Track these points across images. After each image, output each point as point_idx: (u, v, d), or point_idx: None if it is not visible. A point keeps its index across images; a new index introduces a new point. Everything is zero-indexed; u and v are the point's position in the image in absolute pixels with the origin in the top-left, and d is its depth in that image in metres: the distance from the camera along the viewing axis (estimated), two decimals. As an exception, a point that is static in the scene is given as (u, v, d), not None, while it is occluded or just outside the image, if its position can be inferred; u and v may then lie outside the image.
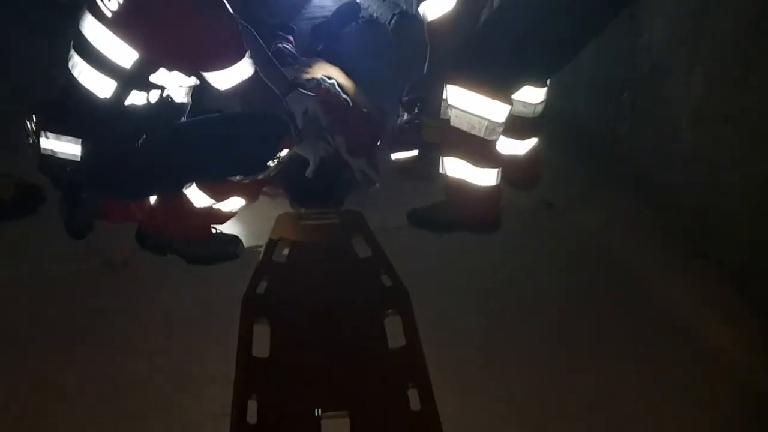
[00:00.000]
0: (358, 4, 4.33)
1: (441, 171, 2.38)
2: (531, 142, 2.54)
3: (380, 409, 1.70)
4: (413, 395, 1.71)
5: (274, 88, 2.18)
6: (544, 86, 2.37)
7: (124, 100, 1.93)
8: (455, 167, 2.31)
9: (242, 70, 1.98)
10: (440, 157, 2.38)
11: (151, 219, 2.28)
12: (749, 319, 2.00)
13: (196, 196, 2.14)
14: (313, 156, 2.42)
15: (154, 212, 2.28)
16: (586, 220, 2.52)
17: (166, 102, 2.02)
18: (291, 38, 3.71)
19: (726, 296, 2.09)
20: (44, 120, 1.96)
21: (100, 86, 1.91)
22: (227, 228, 2.40)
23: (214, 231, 2.34)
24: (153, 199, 2.28)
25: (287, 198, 2.59)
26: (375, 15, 4.60)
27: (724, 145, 2.08)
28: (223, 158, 2.06)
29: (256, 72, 2.04)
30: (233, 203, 2.24)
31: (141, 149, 1.98)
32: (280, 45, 3.45)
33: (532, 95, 2.36)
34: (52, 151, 1.96)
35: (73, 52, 1.94)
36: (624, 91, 2.50)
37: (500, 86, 2.14)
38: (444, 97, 2.24)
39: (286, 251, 2.29)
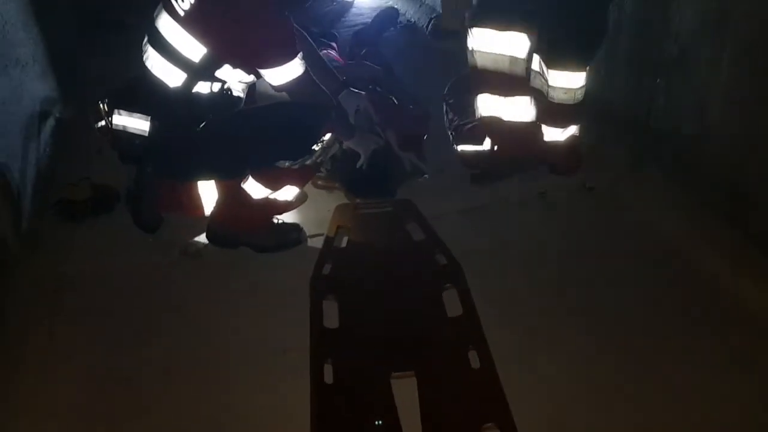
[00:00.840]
0: (396, 9, 4.53)
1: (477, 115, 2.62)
2: (572, 129, 2.68)
3: (443, 368, 1.86)
4: (473, 356, 1.88)
5: (323, 86, 2.37)
6: (583, 70, 2.49)
7: (192, 89, 2.16)
8: (487, 104, 2.55)
9: (294, 69, 2.20)
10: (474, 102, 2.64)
11: (218, 217, 2.47)
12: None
13: (253, 187, 2.34)
14: (364, 149, 2.61)
15: (219, 211, 2.46)
16: (625, 201, 2.66)
17: (226, 94, 2.23)
18: (334, 45, 3.92)
19: (755, 260, 2.21)
20: (117, 101, 2.18)
21: (172, 76, 2.14)
22: (290, 220, 2.59)
23: (276, 221, 2.54)
24: (210, 192, 2.49)
25: (343, 191, 2.77)
26: (413, 19, 4.81)
27: (752, 125, 2.21)
28: (272, 143, 2.25)
29: (306, 71, 2.24)
30: (288, 192, 2.42)
31: (201, 132, 2.19)
32: (325, 51, 3.65)
33: (571, 80, 2.50)
34: (123, 126, 2.18)
35: (147, 46, 2.17)
36: (657, 77, 2.63)
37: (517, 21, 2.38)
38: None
39: (345, 238, 2.47)
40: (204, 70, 2.13)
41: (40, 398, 1.89)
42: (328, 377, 1.83)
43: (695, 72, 2.43)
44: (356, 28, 4.45)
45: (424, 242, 2.41)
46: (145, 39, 2.19)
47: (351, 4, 5.02)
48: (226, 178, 2.37)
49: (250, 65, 2.19)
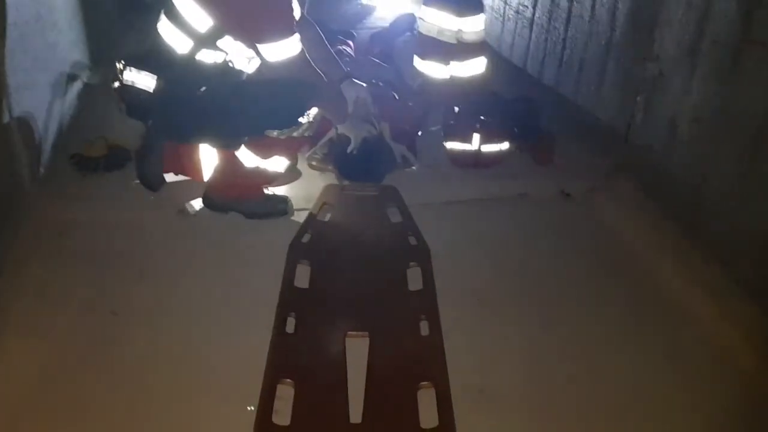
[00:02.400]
0: (414, 16, 4.72)
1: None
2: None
3: (395, 333, 2.05)
4: (424, 326, 2.06)
5: (323, 71, 2.58)
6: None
7: (195, 56, 2.37)
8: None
9: (289, 48, 2.41)
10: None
11: (213, 183, 2.69)
12: (732, 295, 2.26)
13: (246, 155, 2.55)
14: (354, 135, 2.82)
15: (215, 177, 2.68)
16: (599, 209, 2.83)
17: (227, 65, 2.44)
18: (351, 43, 4.14)
19: (713, 274, 2.35)
20: (131, 61, 2.40)
21: (180, 43, 2.36)
22: (281, 193, 2.81)
23: (267, 192, 2.75)
24: (210, 159, 2.70)
25: (334, 173, 2.98)
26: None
27: (713, 142, 2.38)
28: (262, 112, 2.45)
29: (301, 52, 2.45)
30: (277, 162, 2.62)
31: (200, 96, 2.39)
32: (340, 47, 3.87)
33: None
34: (132, 81, 2.39)
35: (162, 17, 2.39)
36: (638, 94, 2.81)
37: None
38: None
39: (329, 214, 2.67)
40: (208, 40, 2.35)
41: (34, 323, 2.11)
42: (290, 328, 2.03)
43: (670, 91, 2.60)
44: (374, 30, 4.67)
45: (400, 224, 2.60)
46: (162, 11, 2.42)
47: (373, 8, 5.24)
48: (220, 142, 2.57)
49: (249, 39, 2.41)
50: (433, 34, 3.21)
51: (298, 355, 1.95)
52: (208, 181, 2.70)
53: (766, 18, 2.10)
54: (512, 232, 2.71)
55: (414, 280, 2.28)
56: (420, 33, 3.29)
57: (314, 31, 2.85)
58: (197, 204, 2.73)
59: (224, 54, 2.41)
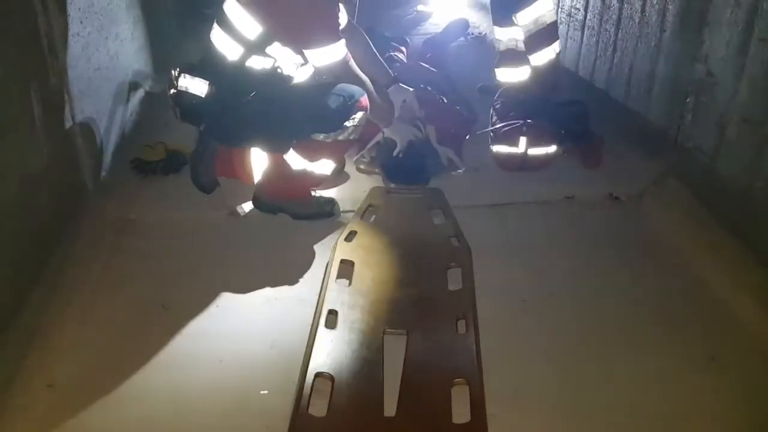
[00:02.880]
0: (467, 21, 4.76)
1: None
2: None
3: (432, 331, 2.08)
4: (461, 325, 2.08)
5: (370, 76, 2.63)
6: None
7: (246, 62, 2.46)
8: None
9: (335, 53, 2.49)
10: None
11: (263, 186, 2.78)
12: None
13: (293, 158, 2.63)
14: (400, 138, 2.87)
15: (265, 180, 2.77)
16: (647, 212, 2.79)
17: (276, 71, 2.52)
18: (404, 49, 4.20)
19: (762, 278, 2.29)
20: (185, 69, 2.51)
21: (230, 50, 2.46)
22: (329, 196, 2.88)
23: (314, 194, 2.82)
24: (261, 162, 2.79)
25: (381, 176, 3.03)
26: (483, 33, 5.02)
27: (762, 145, 2.32)
28: (308, 117, 2.54)
29: (346, 57, 2.53)
30: (324, 166, 2.69)
31: (250, 101, 2.48)
32: (392, 54, 3.93)
33: None
34: (186, 87, 2.50)
35: (215, 25, 2.50)
36: (687, 95, 2.76)
37: None
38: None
39: (374, 216, 2.72)
40: (258, 47, 2.44)
41: (92, 314, 2.23)
42: (330, 324, 2.08)
43: (719, 92, 2.55)
44: (428, 36, 4.71)
45: (443, 226, 2.63)
46: (214, 21, 2.52)
47: (429, 15, 5.29)
48: (269, 146, 2.66)
49: (296, 44, 2.48)
50: (512, 46, 3.28)
51: (336, 350, 2.00)
52: (257, 183, 2.79)
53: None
54: (558, 235, 2.70)
55: (454, 280, 2.30)
56: (500, 51, 3.37)
57: (362, 38, 2.92)
58: (248, 206, 2.83)
59: (273, 60, 2.50)
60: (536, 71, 3.21)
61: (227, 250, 2.59)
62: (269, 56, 2.50)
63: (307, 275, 2.38)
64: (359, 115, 2.56)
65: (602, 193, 2.93)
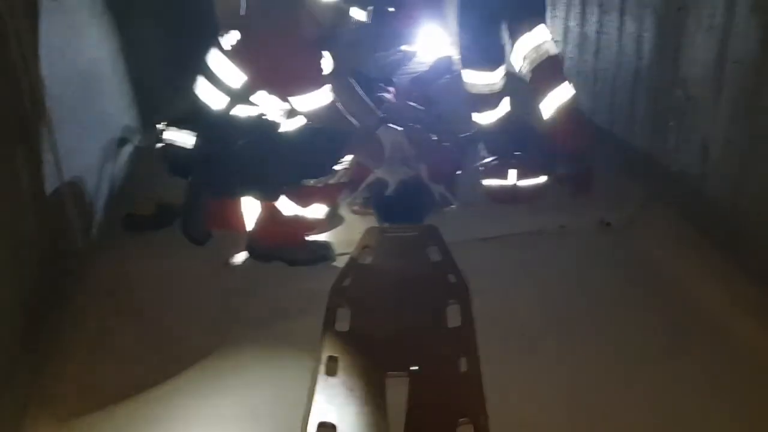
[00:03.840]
0: (451, 59, 4.82)
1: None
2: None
3: (434, 371, 2.05)
4: (463, 363, 2.05)
5: (358, 118, 2.66)
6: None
7: (231, 111, 2.49)
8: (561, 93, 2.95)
9: (320, 99, 2.50)
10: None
11: (256, 234, 2.76)
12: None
13: (285, 205, 2.63)
14: (392, 178, 2.87)
15: (257, 227, 2.76)
16: (639, 236, 2.79)
17: (261, 118, 2.54)
18: (392, 89, 4.24)
19: (756, 295, 2.30)
20: (171, 122, 2.53)
21: (216, 100, 2.48)
22: (324, 240, 2.87)
23: (308, 239, 2.80)
24: (253, 211, 2.79)
25: (375, 216, 3.02)
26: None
27: (746, 163, 2.35)
28: (298, 163, 2.54)
29: (332, 102, 2.54)
30: (317, 210, 2.69)
31: (238, 150, 2.49)
32: (380, 94, 3.97)
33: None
34: (172, 140, 2.52)
35: (199, 77, 2.52)
36: (669, 120, 2.79)
37: None
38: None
39: (370, 257, 2.71)
40: (242, 95, 2.47)
41: (90, 379, 2.19)
42: (331, 371, 2.05)
43: (699, 114, 2.59)
44: (415, 74, 4.77)
45: (440, 263, 2.61)
46: (197, 73, 2.55)
47: (413, 54, 5.35)
48: (260, 194, 2.66)
49: (281, 92, 2.50)
50: (479, 90, 3.30)
51: (339, 397, 1.97)
52: (250, 231, 2.78)
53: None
54: (553, 264, 2.69)
55: (453, 317, 2.28)
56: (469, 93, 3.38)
57: (346, 80, 2.94)
58: (242, 256, 2.82)
59: (258, 108, 2.51)
60: (558, 111, 3.06)
61: (224, 302, 2.56)
62: (254, 104, 2.52)
63: (306, 322, 2.35)
64: (349, 157, 2.56)
65: (594, 220, 2.93)
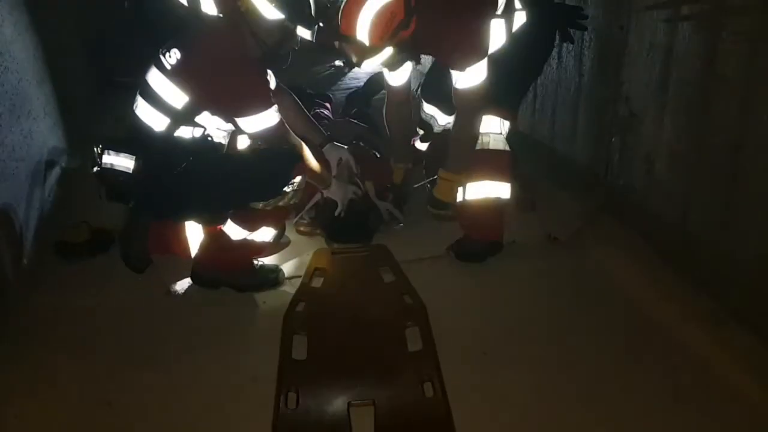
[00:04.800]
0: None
1: (463, 198, 2.73)
2: None
3: (399, 398, 2.01)
4: (427, 387, 2.03)
5: (297, 137, 2.62)
6: None
7: (173, 133, 2.39)
8: (485, 189, 2.69)
9: (266, 120, 2.42)
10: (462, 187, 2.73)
11: (200, 259, 2.65)
12: (726, 324, 2.29)
13: (232, 229, 2.53)
14: (340, 198, 2.83)
15: (202, 253, 2.65)
16: (586, 250, 2.84)
17: (206, 139, 2.45)
18: (328, 105, 4.19)
19: (705, 305, 2.39)
20: (109, 144, 2.40)
21: (156, 121, 2.38)
22: (273, 262, 2.79)
23: (257, 263, 2.72)
24: (197, 235, 2.69)
25: (323, 236, 2.97)
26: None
27: (690, 176, 2.44)
28: (245, 185, 2.45)
29: (279, 122, 2.47)
30: (264, 233, 2.60)
31: (180, 173, 2.38)
32: (318, 110, 3.91)
33: None
34: (111, 164, 2.38)
35: (138, 97, 2.41)
36: (612, 136, 2.86)
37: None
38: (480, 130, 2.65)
39: (321, 279, 2.65)
40: (185, 116, 2.37)
41: (29, 422, 2.05)
42: (292, 404, 1.98)
43: (643, 130, 2.66)
44: (350, 90, 4.73)
45: (393, 284, 2.58)
46: (137, 92, 2.43)
47: (348, 71, 5.33)
48: (204, 219, 2.56)
49: (226, 114, 2.43)
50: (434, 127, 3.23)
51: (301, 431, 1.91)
52: (195, 257, 2.68)
53: (728, 53, 2.16)
54: (505, 280, 2.70)
55: (413, 340, 2.25)
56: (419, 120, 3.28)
57: (291, 99, 2.88)
58: (185, 283, 2.70)
59: (203, 129, 2.42)
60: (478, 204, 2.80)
61: (168, 334, 2.44)
62: (198, 125, 2.42)
63: (260, 351, 2.27)
64: (298, 179, 2.49)
65: (541, 235, 2.97)
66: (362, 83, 4.79)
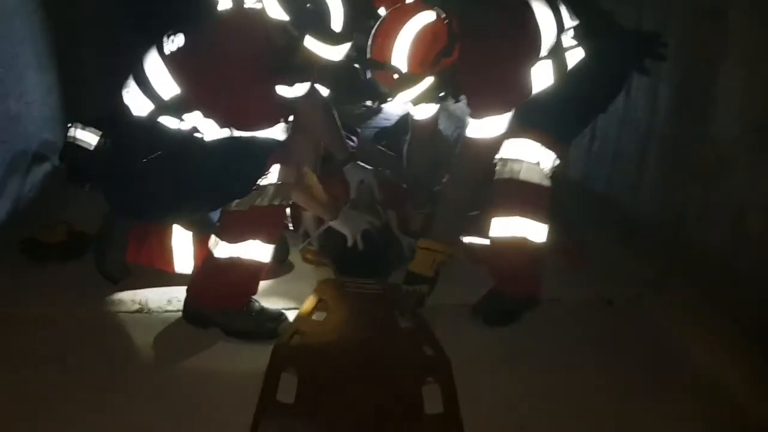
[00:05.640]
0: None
1: (492, 235, 2.26)
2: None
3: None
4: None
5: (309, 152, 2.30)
6: None
7: (155, 119, 1.98)
8: (514, 226, 2.20)
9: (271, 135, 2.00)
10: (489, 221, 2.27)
11: (191, 290, 2.16)
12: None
13: (218, 246, 2.06)
14: (350, 231, 2.42)
15: (193, 281, 2.18)
16: (647, 317, 2.34)
17: (192, 135, 2.01)
18: (354, 138, 3.82)
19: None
20: (83, 123, 2.02)
21: (139, 104, 1.98)
22: (269, 290, 2.34)
23: (256, 305, 2.19)
24: (185, 248, 2.28)
25: (332, 267, 2.51)
26: (439, 127, 4.71)
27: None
28: (212, 177, 1.99)
29: (287, 140, 2.06)
30: (256, 250, 2.08)
31: (152, 161, 1.95)
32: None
33: None
34: (74, 138, 2.01)
35: (130, 79, 2.02)
36: (689, 184, 2.41)
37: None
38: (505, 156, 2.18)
39: (325, 314, 2.18)
40: (170, 109, 1.97)
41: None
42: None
43: (733, 177, 2.20)
44: (378, 128, 4.41)
45: (411, 330, 2.11)
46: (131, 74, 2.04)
47: (379, 110, 5.00)
48: (184, 215, 2.13)
49: (224, 121, 2.00)
50: None
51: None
52: (187, 287, 2.19)
53: None
54: (545, 342, 2.20)
55: (432, 400, 1.76)
56: None
57: (323, 103, 2.49)
58: (165, 300, 2.25)
59: (190, 124, 2.01)
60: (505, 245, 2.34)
61: (135, 360, 1.99)
62: (184, 120, 2.01)
63: (235, 391, 1.79)
64: (274, 169, 2.01)
65: (591, 295, 2.48)
66: (392, 122, 4.46)
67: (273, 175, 2.00)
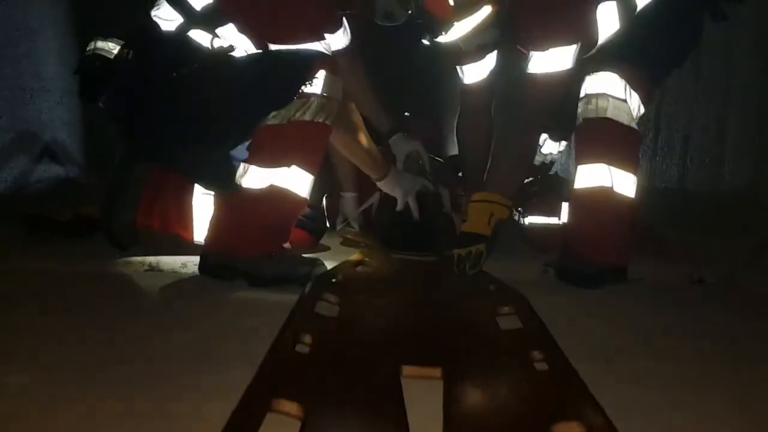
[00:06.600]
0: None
1: (575, 186, 1.92)
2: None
3: (487, 367, 1.13)
4: (538, 364, 1.14)
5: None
6: None
7: (184, 35, 1.77)
8: (600, 175, 1.87)
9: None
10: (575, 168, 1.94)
11: (211, 238, 1.84)
12: None
13: (247, 174, 1.76)
14: (402, 193, 2.14)
15: (213, 227, 1.84)
16: (748, 298, 1.93)
17: (226, 52, 1.77)
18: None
19: None
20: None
21: (168, 18, 1.78)
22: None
23: (291, 252, 1.86)
24: (206, 212, 1.93)
25: (377, 245, 2.18)
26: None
27: None
28: (253, 85, 1.72)
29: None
30: (296, 177, 1.77)
31: (176, 77, 1.71)
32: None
33: None
34: (93, 48, 1.78)
35: None
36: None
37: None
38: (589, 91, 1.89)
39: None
40: (202, 22, 1.76)
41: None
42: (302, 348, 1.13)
43: None
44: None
45: (479, 276, 1.77)
46: None
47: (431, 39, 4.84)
48: (198, 149, 1.84)
49: (256, 33, 1.78)
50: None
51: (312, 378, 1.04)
52: (205, 236, 1.87)
53: None
54: (626, 326, 1.74)
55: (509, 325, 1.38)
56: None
57: (363, 68, 2.27)
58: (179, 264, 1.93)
59: (226, 40, 1.79)
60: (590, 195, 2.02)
61: (144, 324, 1.59)
62: (217, 36, 1.79)
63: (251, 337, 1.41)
64: (321, 75, 1.73)
65: (679, 274, 2.09)
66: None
67: (318, 85, 1.73)
